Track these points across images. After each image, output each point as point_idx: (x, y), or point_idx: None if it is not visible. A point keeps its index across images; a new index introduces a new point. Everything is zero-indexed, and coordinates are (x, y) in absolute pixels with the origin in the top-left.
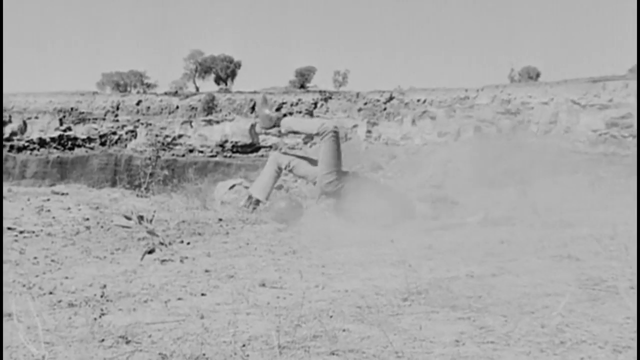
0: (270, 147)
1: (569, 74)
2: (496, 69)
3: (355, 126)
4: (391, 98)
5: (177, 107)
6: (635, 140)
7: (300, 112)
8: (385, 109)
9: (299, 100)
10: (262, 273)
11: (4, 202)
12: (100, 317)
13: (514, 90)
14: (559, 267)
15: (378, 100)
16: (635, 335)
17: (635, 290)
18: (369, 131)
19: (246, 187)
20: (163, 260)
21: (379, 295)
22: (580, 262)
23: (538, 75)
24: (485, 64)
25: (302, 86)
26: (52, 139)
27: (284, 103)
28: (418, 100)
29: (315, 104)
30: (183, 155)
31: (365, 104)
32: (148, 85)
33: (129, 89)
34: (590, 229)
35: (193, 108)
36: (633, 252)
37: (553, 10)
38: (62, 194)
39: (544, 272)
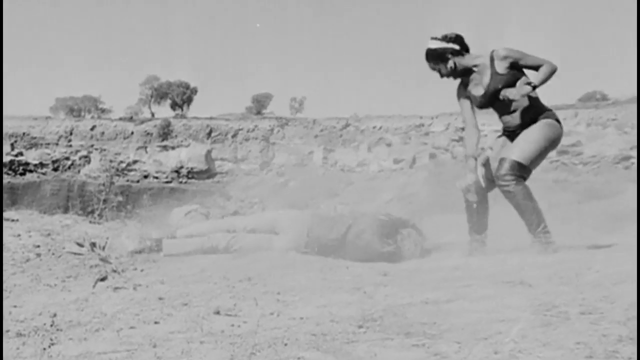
0: (226, 173)
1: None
2: (451, 97)
3: (311, 153)
4: (347, 125)
5: (132, 133)
6: (585, 167)
7: (256, 139)
8: (341, 135)
9: (255, 126)
10: (216, 300)
11: None
12: (49, 347)
13: None
14: (512, 293)
15: (334, 127)
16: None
17: (586, 316)
18: (325, 157)
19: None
20: (116, 288)
21: (334, 323)
22: (533, 287)
23: None
24: (440, 92)
25: (259, 112)
26: (3, 164)
27: (240, 129)
28: (374, 127)
29: (272, 130)
30: (138, 181)
31: (322, 130)
32: (103, 111)
33: (83, 113)
34: (543, 255)
35: (148, 134)
36: (583, 278)
37: (505, 41)
38: (13, 220)
39: (497, 298)
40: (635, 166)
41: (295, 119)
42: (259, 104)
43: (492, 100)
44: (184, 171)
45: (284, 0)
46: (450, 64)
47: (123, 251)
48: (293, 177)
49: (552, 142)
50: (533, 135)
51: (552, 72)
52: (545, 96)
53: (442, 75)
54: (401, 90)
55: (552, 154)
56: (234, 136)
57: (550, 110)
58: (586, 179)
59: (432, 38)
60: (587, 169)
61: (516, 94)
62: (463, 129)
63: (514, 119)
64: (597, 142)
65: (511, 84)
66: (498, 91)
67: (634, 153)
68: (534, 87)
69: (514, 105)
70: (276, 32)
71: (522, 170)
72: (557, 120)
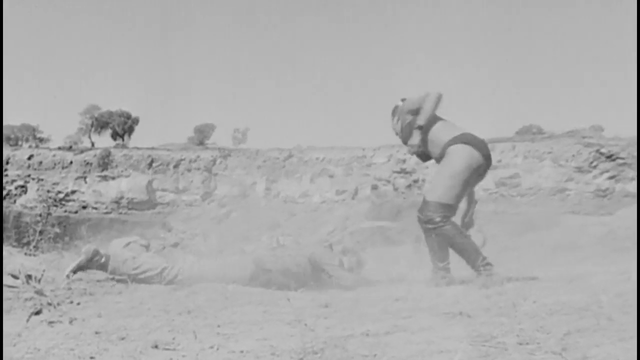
0: (168, 203)
1: None
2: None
3: (254, 183)
4: (290, 156)
5: (71, 162)
6: (522, 199)
7: (198, 169)
8: (284, 166)
9: (198, 156)
10: (155, 334)
11: None
12: None
13: None
14: (451, 324)
15: (277, 158)
16: None
17: (523, 346)
18: (267, 188)
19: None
20: (51, 322)
21: (275, 356)
22: (472, 318)
23: None
24: (382, 123)
25: (201, 143)
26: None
27: (182, 160)
28: (317, 158)
29: (214, 161)
30: (76, 212)
31: (265, 161)
32: (41, 140)
33: (20, 142)
34: (482, 286)
35: (88, 163)
36: (520, 309)
37: (443, 76)
38: None
39: (437, 329)
40: (570, 198)
41: (238, 149)
42: (202, 134)
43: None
44: (124, 202)
45: (227, 31)
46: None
47: (65, 272)
48: (235, 208)
49: (466, 167)
50: (443, 170)
51: (435, 100)
52: (484, 129)
53: None
54: (344, 122)
55: (491, 186)
56: (175, 166)
57: (460, 134)
58: (524, 210)
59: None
60: (525, 200)
61: (409, 148)
62: (404, 160)
63: (435, 158)
64: (533, 174)
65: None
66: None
67: (569, 185)
68: (420, 128)
69: (420, 152)
70: (220, 62)
71: (445, 209)
72: (468, 141)
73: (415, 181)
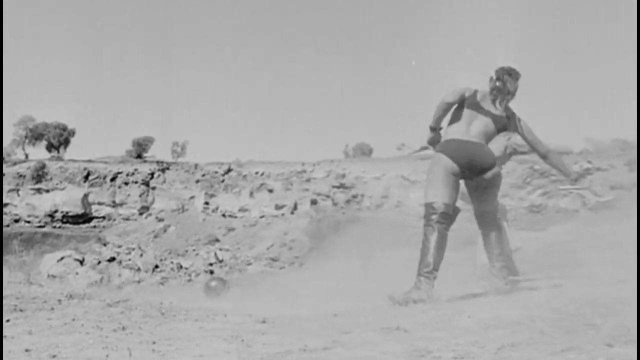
0: (104, 217)
1: (400, 151)
2: (332, 144)
3: (192, 197)
4: (230, 170)
5: (4, 174)
6: (460, 214)
7: (135, 183)
8: (223, 180)
9: (135, 170)
10: (88, 351)
11: None
12: None
13: (349, 165)
14: (389, 339)
15: (216, 172)
16: None
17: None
18: (206, 203)
19: (76, 260)
20: None
21: None
22: (409, 333)
23: (371, 151)
24: (321, 139)
25: (139, 156)
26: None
27: (119, 173)
28: (256, 173)
29: (152, 174)
30: (8, 226)
31: (204, 175)
32: None
33: None
34: (419, 301)
35: (21, 175)
36: (456, 323)
37: (381, 90)
38: None
39: (375, 344)
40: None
41: (177, 163)
42: (140, 147)
43: None
44: (58, 215)
45: (165, 42)
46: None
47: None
48: (173, 223)
49: (437, 172)
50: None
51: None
52: (423, 144)
53: None
54: (283, 137)
55: None
56: (112, 180)
57: (443, 141)
58: (461, 225)
59: (501, 69)
60: (462, 216)
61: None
62: (344, 175)
63: None
64: None
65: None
66: None
67: (505, 201)
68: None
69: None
70: (159, 75)
71: (426, 208)
72: (442, 149)
73: (354, 196)
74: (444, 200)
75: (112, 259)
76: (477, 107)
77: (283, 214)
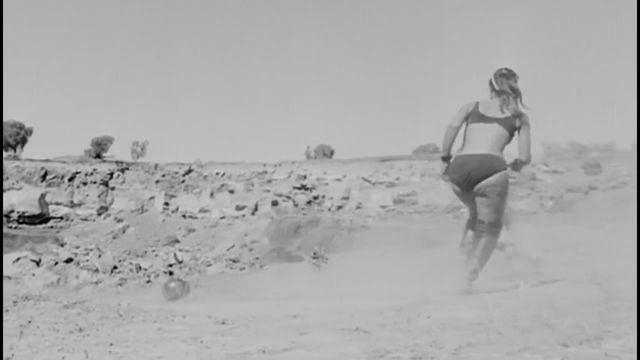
0: (62, 217)
1: (360, 153)
2: (293, 145)
3: (152, 198)
4: (190, 170)
5: None
6: (419, 216)
7: (94, 183)
8: (184, 181)
9: (94, 170)
10: (43, 354)
11: None
12: None
13: (310, 166)
14: (348, 340)
15: (177, 173)
16: None
17: None
18: (166, 203)
19: (33, 260)
20: None
21: None
22: (368, 334)
23: (332, 152)
24: (282, 140)
25: (98, 156)
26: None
27: (77, 173)
28: (217, 174)
29: (112, 174)
30: None
31: (164, 175)
32: None
33: None
34: (378, 302)
35: None
36: (415, 324)
37: (343, 91)
38: None
39: (334, 345)
40: (464, 215)
41: (137, 163)
42: (99, 147)
43: None
44: (14, 215)
45: (126, 42)
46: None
47: None
48: (132, 223)
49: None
50: None
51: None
52: (385, 148)
53: None
54: (245, 138)
55: (389, 203)
56: (70, 180)
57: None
58: (421, 227)
59: (499, 70)
60: (422, 217)
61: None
62: (305, 176)
63: None
64: (430, 192)
65: None
66: None
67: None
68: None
69: None
70: (118, 73)
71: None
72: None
73: (316, 197)
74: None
75: (69, 260)
76: (482, 118)
77: (244, 215)
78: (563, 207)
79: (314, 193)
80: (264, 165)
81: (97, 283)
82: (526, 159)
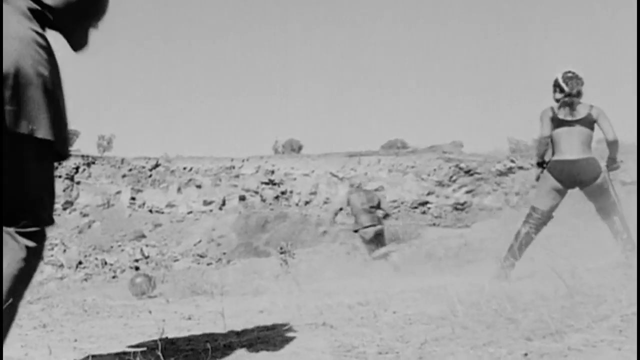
0: None
1: (328, 148)
2: (261, 140)
3: (118, 192)
4: (157, 165)
5: None
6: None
7: (60, 177)
8: (150, 175)
9: (59, 164)
10: (6, 351)
11: None
12: None
13: (278, 161)
14: (314, 335)
15: (143, 167)
16: None
17: (382, 355)
18: (133, 198)
19: None
20: None
21: None
22: (334, 329)
23: (300, 147)
24: (250, 135)
25: None
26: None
27: None
28: (184, 168)
29: (77, 168)
30: None
31: (130, 170)
32: None
33: None
34: (345, 297)
35: None
36: (381, 319)
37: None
38: None
39: (300, 340)
40: (431, 210)
41: (103, 157)
42: None
43: None
44: None
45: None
46: (556, 96)
47: None
48: (98, 218)
49: (545, 187)
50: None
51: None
52: (353, 143)
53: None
54: (212, 132)
55: None
56: None
57: (549, 161)
58: (387, 222)
59: (565, 73)
60: (388, 213)
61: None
62: (273, 171)
63: None
64: (397, 187)
65: None
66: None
67: (431, 199)
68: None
69: None
70: (85, 67)
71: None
72: (548, 168)
73: (283, 193)
74: (544, 207)
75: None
76: (564, 123)
77: (211, 210)
78: (528, 203)
79: (282, 188)
80: (232, 160)
81: (61, 278)
82: (614, 146)
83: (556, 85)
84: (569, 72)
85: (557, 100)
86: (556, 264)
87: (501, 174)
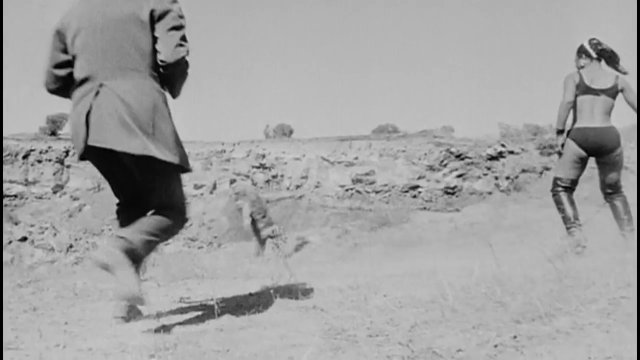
0: (15, 196)
1: (319, 132)
2: (252, 124)
3: None
4: None
5: None
6: (377, 195)
7: (49, 161)
8: None
9: (49, 147)
10: None
11: None
12: None
13: (269, 145)
14: (305, 318)
15: None
16: None
17: (372, 338)
18: None
19: None
20: None
21: (125, 353)
22: (325, 312)
23: (291, 132)
24: (241, 119)
25: (53, 133)
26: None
27: (32, 150)
28: None
29: (67, 152)
30: None
31: None
32: None
33: None
34: (335, 280)
35: None
36: (371, 302)
37: (303, 71)
38: None
39: (290, 324)
40: (422, 195)
41: None
42: (54, 125)
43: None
44: None
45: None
46: (581, 63)
47: None
48: (88, 202)
49: (569, 155)
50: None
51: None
52: (344, 127)
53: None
54: (203, 117)
55: (348, 182)
56: (25, 157)
57: (570, 130)
58: (378, 206)
59: (591, 39)
60: (379, 197)
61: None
62: (264, 155)
63: None
64: (388, 172)
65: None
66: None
67: (421, 183)
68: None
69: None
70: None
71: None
72: (572, 137)
73: (274, 176)
74: (569, 177)
75: (24, 239)
76: (589, 90)
77: (202, 194)
78: (518, 187)
79: (273, 172)
80: (223, 144)
81: (52, 262)
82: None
83: (582, 51)
84: (594, 39)
85: (581, 67)
86: (545, 247)
87: (491, 158)
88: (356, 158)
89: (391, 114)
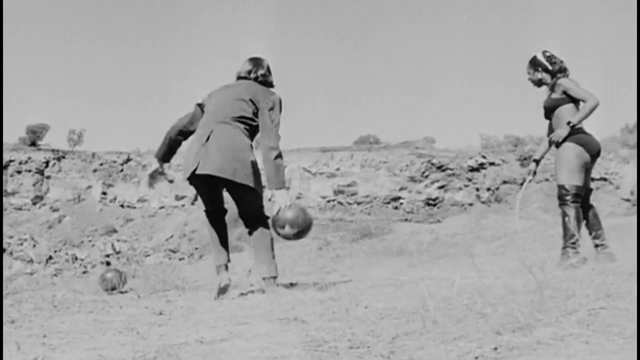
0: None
1: (301, 143)
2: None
3: (89, 187)
4: (129, 159)
5: None
6: (359, 207)
7: (29, 171)
8: (122, 170)
9: (29, 158)
10: None
11: None
12: None
13: None
14: (286, 330)
15: (115, 162)
16: None
17: (354, 350)
18: (104, 193)
19: None
20: None
21: None
22: (306, 324)
23: None
24: None
25: (33, 144)
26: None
27: (11, 161)
28: None
29: (47, 162)
30: None
31: (102, 164)
32: None
33: None
34: (317, 292)
35: None
36: (353, 313)
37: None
38: None
39: (272, 335)
40: (403, 206)
41: (74, 151)
42: (34, 135)
43: (547, 115)
44: None
45: (62, 27)
46: (538, 76)
47: None
48: (68, 213)
49: (577, 157)
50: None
51: (593, 108)
52: (326, 138)
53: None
54: None
55: (330, 194)
56: (4, 168)
57: (575, 136)
58: (360, 218)
59: (543, 52)
60: (361, 208)
61: (556, 136)
62: None
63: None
64: (369, 183)
65: (554, 107)
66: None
67: (403, 194)
68: (572, 126)
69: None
70: (56, 59)
71: (564, 190)
72: (579, 142)
73: None
74: (578, 183)
75: (2, 250)
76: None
77: (183, 205)
78: (498, 198)
79: None
80: None
81: (31, 274)
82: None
83: (537, 64)
84: (547, 51)
85: (538, 81)
86: (526, 258)
87: (472, 169)
88: (338, 169)
89: (373, 125)
